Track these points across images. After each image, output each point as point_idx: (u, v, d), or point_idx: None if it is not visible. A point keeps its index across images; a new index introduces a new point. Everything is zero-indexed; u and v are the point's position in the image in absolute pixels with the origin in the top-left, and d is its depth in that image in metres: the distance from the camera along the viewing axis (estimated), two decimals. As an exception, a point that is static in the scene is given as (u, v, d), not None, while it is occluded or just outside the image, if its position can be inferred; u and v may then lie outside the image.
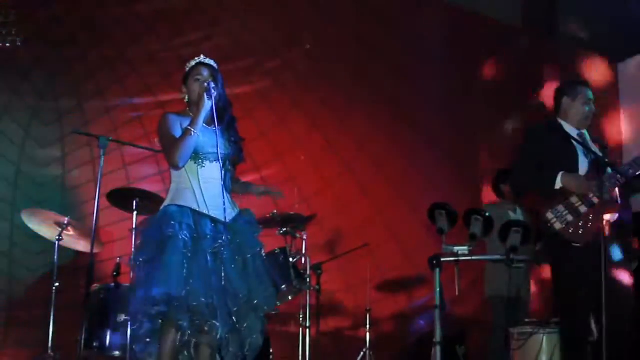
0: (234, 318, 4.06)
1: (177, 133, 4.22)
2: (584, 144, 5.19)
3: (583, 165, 5.17)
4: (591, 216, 5.03)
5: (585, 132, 5.37)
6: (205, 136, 4.25)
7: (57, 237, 6.02)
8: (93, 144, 5.87)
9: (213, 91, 4.23)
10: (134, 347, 4.23)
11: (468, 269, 7.40)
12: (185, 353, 4.12)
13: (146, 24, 7.67)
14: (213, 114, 4.22)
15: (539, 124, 5.47)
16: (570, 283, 5.07)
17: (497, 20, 10.34)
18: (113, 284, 6.09)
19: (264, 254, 4.43)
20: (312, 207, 7.50)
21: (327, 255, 7.76)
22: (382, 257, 8.63)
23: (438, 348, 6.20)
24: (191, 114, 4.31)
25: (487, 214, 6.50)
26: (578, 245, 4.99)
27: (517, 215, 7.05)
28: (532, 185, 5.38)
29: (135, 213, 6.09)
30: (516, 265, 6.71)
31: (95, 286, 6.12)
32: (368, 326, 7.50)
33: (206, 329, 4.01)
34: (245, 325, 4.14)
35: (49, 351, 5.70)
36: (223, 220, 4.17)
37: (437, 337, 6.23)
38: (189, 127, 4.15)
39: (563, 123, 5.37)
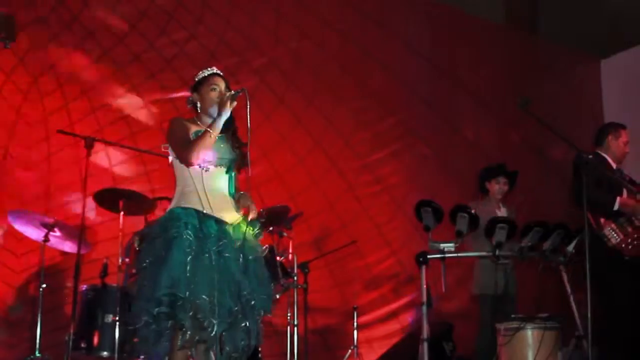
0: (235, 315, 4.11)
1: (187, 131, 4.34)
2: (625, 182, 6.18)
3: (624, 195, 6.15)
4: (636, 235, 5.97)
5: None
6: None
7: (44, 238, 5.98)
8: (79, 144, 5.82)
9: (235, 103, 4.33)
10: (141, 348, 4.24)
11: (455, 266, 7.42)
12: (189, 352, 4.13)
13: (130, 23, 7.62)
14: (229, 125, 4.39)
15: (589, 154, 6.06)
16: (617, 289, 5.99)
17: (480, 18, 10.35)
18: (100, 285, 6.07)
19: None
20: (299, 205, 7.48)
21: (314, 253, 7.76)
22: (369, 255, 8.67)
23: (425, 345, 6.22)
24: (199, 122, 4.45)
25: (473, 211, 6.53)
26: (627, 257, 5.94)
27: (502, 212, 7.06)
28: (594, 203, 5.94)
29: (121, 213, 6.06)
30: (502, 262, 6.76)
31: (83, 287, 6.10)
32: (355, 323, 7.51)
33: (205, 325, 4.00)
34: (243, 324, 4.16)
35: (37, 352, 5.67)
36: (227, 221, 4.27)
37: (425, 333, 6.25)
38: (209, 130, 4.23)
39: (605, 156, 6.33)
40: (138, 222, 6.61)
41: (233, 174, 4.45)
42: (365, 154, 9.04)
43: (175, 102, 7.45)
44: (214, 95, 4.42)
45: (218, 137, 4.32)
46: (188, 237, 4.07)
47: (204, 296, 3.97)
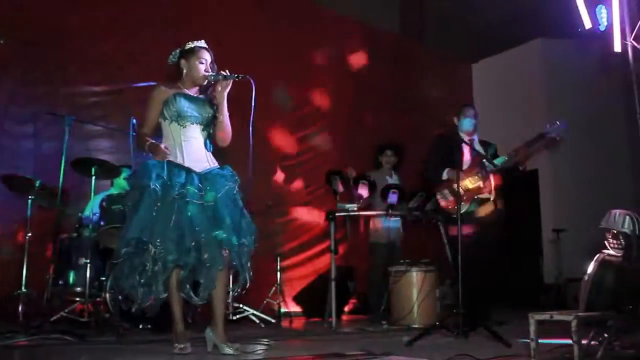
0: (197, 251, 3.83)
1: (154, 111, 4.07)
2: (470, 145, 5.94)
3: (466, 162, 5.97)
4: (465, 197, 5.76)
5: (475, 137, 6.20)
6: (190, 101, 4.11)
7: (30, 197, 5.83)
8: (60, 122, 5.67)
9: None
10: (118, 282, 3.90)
11: (356, 222, 7.51)
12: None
13: (104, 28, 7.48)
14: (207, 87, 4.20)
15: (443, 133, 6.22)
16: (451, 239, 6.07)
17: (379, 28, 10.36)
18: (75, 235, 6.04)
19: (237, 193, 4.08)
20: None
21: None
22: (291, 213, 8.75)
23: (333, 283, 6.30)
24: (181, 86, 4.16)
25: (372, 179, 6.62)
26: (454, 215, 5.51)
27: (393, 179, 7.14)
28: (431, 176, 6.15)
29: (93, 178, 5.96)
30: (393, 219, 6.88)
31: (61, 236, 6.07)
32: (279, 267, 7.49)
33: (161, 263, 3.78)
34: (206, 256, 3.83)
35: (23, 288, 5.56)
36: (197, 170, 4.01)
37: (332, 275, 6.33)
38: (153, 145, 3.98)
39: (460, 132, 6.14)
40: (106, 185, 6.58)
41: (210, 131, 4.17)
42: (296, 132, 9.17)
43: (138, 90, 7.31)
44: (201, 68, 4.14)
45: (197, 97, 4.16)
46: (155, 186, 3.82)
47: (158, 240, 3.74)
